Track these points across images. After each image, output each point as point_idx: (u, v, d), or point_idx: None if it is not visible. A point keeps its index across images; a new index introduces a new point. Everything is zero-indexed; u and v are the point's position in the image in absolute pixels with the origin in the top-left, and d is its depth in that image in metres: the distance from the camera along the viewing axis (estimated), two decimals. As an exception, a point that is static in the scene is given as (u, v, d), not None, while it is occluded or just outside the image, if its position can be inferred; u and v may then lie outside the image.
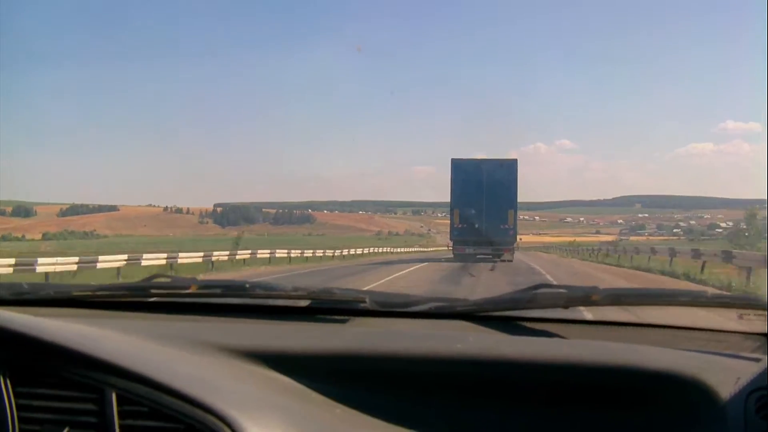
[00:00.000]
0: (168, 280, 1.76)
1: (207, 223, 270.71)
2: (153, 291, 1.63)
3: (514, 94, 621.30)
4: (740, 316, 1.40)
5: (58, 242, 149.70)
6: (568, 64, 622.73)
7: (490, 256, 23.94)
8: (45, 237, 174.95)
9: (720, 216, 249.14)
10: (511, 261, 23.86)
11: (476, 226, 24.40)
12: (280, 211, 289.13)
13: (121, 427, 0.93)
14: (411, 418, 1.07)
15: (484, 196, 24.69)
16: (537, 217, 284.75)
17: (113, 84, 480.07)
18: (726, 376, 1.03)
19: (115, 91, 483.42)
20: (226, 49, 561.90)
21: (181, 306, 1.61)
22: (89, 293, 1.65)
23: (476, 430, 1.08)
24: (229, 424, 0.88)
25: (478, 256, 23.95)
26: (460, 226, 25.17)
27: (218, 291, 1.60)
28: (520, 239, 30.68)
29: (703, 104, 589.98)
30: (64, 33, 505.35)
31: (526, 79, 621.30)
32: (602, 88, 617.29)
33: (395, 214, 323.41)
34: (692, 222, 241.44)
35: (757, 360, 1.10)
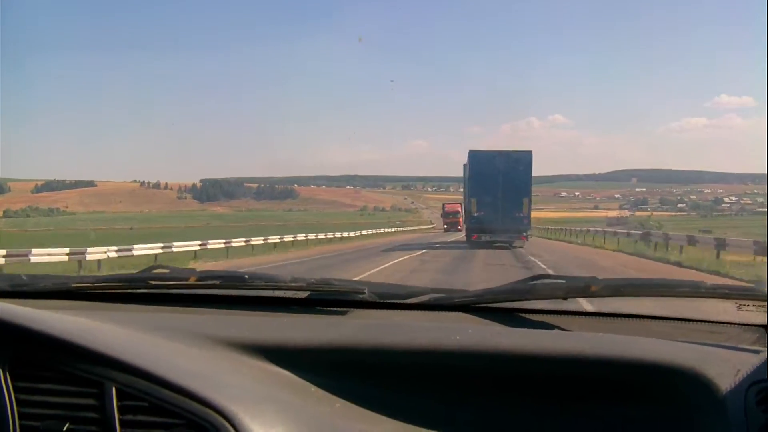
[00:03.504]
0: (167, 271, 1.75)
1: (186, 198, 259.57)
2: (152, 282, 1.62)
3: (508, 70, 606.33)
4: (739, 307, 1.38)
5: (11, 220, 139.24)
6: (561, 39, 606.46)
7: (505, 243, 24.95)
8: (6, 214, 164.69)
9: (721, 190, 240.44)
10: (522, 248, 24.07)
11: (493, 214, 25.52)
12: (262, 185, 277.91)
13: (121, 422, 0.92)
14: (410, 412, 1.06)
15: (500, 186, 25.65)
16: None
17: (102, 60, 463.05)
18: (726, 369, 1.02)
19: (104, 69, 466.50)
20: (216, 24, 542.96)
21: (180, 297, 1.60)
22: (88, 285, 1.65)
23: (475, 422, 1.07)
24: (228, 419, 0.88)
25: (493, 243, 24.90)
26: (477, 214, 26.24)
27: (217, 282, 1.59)
28: None
29: (696, 79, 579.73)
30: (44, 9, 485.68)
31: (521, 56, 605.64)
32: (595, 63, 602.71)
33: (384, 188, 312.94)
34: (693, 197, 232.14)
35: (757, 352, 1.09)
